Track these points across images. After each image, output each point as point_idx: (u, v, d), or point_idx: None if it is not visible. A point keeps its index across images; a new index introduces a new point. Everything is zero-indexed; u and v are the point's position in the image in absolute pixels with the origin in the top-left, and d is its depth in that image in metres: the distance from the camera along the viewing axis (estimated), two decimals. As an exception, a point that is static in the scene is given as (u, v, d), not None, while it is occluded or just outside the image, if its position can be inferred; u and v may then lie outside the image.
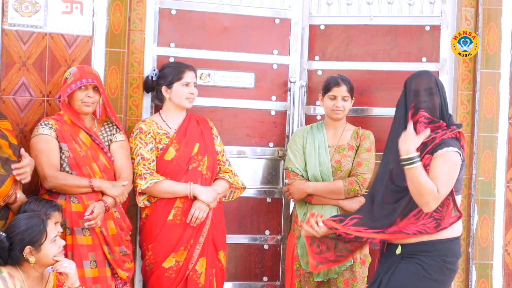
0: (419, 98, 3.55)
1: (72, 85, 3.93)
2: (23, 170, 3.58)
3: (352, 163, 4.31)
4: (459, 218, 3.53)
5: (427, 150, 3.50)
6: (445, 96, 3.61)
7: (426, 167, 3.46)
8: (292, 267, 4.35)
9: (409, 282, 3.52)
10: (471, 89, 4.57)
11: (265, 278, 4.73)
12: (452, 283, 4.58)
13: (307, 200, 4.28)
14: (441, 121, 3.55)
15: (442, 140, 3.50)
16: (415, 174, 3.41)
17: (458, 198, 3.58)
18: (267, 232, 4.73)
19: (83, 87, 3.95)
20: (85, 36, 4.25)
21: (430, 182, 3.41)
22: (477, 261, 4.54)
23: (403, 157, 3.43)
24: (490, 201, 4.55)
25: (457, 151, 3.49)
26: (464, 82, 4.57)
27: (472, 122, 4.55)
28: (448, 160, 3.46)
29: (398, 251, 3.57)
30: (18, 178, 3.57)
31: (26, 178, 3.62)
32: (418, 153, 3.42)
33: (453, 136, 3.54)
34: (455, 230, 3.57)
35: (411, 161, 3.41)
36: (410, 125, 3.46)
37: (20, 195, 3.65)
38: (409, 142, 3.44)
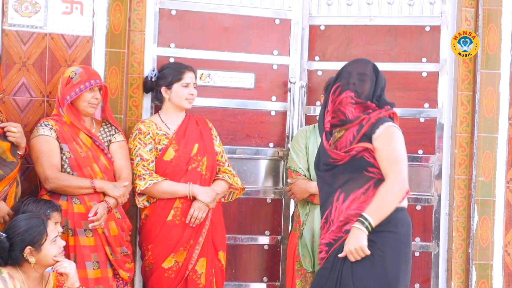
0: (348, 80, 3.55)
1: (80, 85, 3.92)
2: (16, 132, 3.65)
3: (354, 163, 4.31)
4: (407, 193, 3.50)
5: (363, 131, 3.49)
6: (383, 85, 3.60)
7: (368, 151, 3.47)
8: (293, 267, 4.34)
9: (371, 272, 3.44)
10: (471, 89, 4.57)
11: (265, 279, 4.73)
12: (452, 283, 4.59)
13: (309, 200, 4.27)
14: (369, 102, 3.53)
15: (378, 119, 3.50)
16: (384, 215, 3.42)
17: None
18: (267, 232, 4.73)
19: (89, 89, 3.95)
20: (85, 36, 4.25)
21: (389, 194, 3.41)
22: (477, 262, 4.54)
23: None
24: (490, 202, 4.55)
25: (396, 126, 3.51)
26: (464, 83, 4.57)
27: (472, 123, 4.55)
28: (391, 135, 3.47)
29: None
30: (7, 133, 3.64)
31: (14, 139, 3.67)
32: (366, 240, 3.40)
33: (388, 116, 3.55)
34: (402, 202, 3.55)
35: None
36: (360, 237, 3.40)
37: (2, 205, 3.65)
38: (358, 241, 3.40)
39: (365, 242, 3.39)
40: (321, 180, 3.66)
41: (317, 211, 4.23)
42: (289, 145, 4.60)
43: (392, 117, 3.59)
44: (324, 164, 3.61)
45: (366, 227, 3.39)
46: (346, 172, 3.52)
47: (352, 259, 3.42)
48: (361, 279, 3.43)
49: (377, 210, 3.41)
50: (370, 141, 3.48)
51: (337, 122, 3.57)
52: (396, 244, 3.47)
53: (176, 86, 4.24)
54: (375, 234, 3.42)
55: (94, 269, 3.86)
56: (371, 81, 3.57)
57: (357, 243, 3.39)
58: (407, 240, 3.52)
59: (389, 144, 3.46)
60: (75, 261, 3.77)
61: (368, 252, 3.39)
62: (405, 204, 3.56)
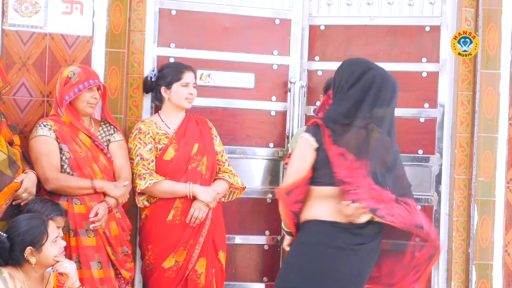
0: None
1: (79, 85, 3.91)
2: (25, 195, 3.66)
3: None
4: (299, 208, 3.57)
5: None
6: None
7: None
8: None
9: None
10: (471, 89, 4.57)
11: (265, 279, 4.73)
12: (452, 283, 4.59)
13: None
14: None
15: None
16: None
17: (320, 190, 3.48)
18: (267, 232, 4.73)
19: (88, 88, 3.95)
20: (85, 36, 4.25)
21: None
22: (477, 262, 4.54)
23: None
24: (490, 202, 4.55)
25: (307, 135, 3.44)
26: (464, 83, 4.57)
27: (472, 123, 4.55)
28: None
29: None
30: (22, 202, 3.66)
31: (30, 197, 3.68)
32: None
33: (314, 123, 3.48)
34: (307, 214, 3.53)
35: None
36: None
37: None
38: None
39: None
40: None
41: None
42: (289, 145, 4.61)
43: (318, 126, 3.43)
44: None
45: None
46: None
47: None
48: None
49: None
50: None
51: None
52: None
53: (175, 86, 4.24)
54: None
55: (98, 269, 3.86)
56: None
57: None
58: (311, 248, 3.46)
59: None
60: (78, 262, 3.78)
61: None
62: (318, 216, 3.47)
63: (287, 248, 3.60)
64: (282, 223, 3.61)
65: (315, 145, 3.42)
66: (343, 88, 3.43)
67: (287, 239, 3.60)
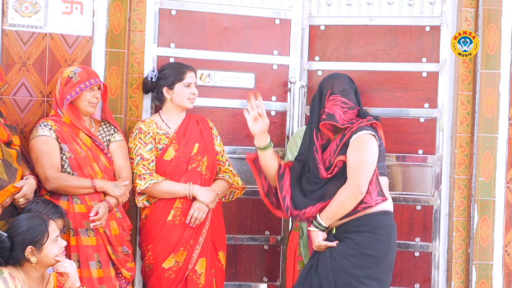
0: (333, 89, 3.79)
1: (81, 85, 3.92)
2: (22, 200, 3.66)
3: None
4: (383, 200, 3.69)
5: (344, 140, 3.69)
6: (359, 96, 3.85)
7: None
8: (294, 266, 4.35)
9: (347, 263, 3.64)
10: (471, 89, 4.57)
11: (265, 279, 4.73)
12: (452, 283, 4.59)
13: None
14: (356, 111, 3.77)
15: (358, 128, 3.69)
16: (336, 216, 3.70)
17: (383, 180, 3.76)
18: (267, 232, 4.72)
19: (89, 88, 3.95)
20: (85, 36, 4.25)
21: (339, 196, 3.64)
22: (477, 262, 4.54)
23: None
24: (490, 202, 4.55)
25: (371, 133, 3.68)
26: (464, 83, 4.57)
27: (472, 123, 4.55)
28: (360, 142, 3.66)
29: (333, 231, 3.71)
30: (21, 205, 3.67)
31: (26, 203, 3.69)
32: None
33: (370, 124, 3.73)
34: (384, 206, 3.72)
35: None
36: None
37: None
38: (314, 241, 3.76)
39: (319, 239, 3.70)
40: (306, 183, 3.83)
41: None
42: (288, 145, 4.61)
43: (374, 127, 3.75)
44: (314, 176, 3.78)
45: (316, 226, 3.70)
46: (336, 184, 3.71)
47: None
48: (334, 265, 3.66)
49: (327, 210, 3.67)
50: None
51: (328, 126, 3.78)
52: (376, 244, 3.65)
53: (178, 86, 4.24)
54: (354, 233, 3.66)
55: (97, 268, 3.86)
56: (353, 93, 3.81)
57: (314, 244, 3.74)
58: (388, 241, 3.70)
59: (356, 150, 3.65)
60: (77, 261, 3.78)
61: (328, 243, 3.69)
62: (388, 207, 3.75)
63: (323, 243, 3.71)
64: (324, 217, 3.69)
65: (379, 141, 3.75)
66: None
67: (322, 234, 3.71)
